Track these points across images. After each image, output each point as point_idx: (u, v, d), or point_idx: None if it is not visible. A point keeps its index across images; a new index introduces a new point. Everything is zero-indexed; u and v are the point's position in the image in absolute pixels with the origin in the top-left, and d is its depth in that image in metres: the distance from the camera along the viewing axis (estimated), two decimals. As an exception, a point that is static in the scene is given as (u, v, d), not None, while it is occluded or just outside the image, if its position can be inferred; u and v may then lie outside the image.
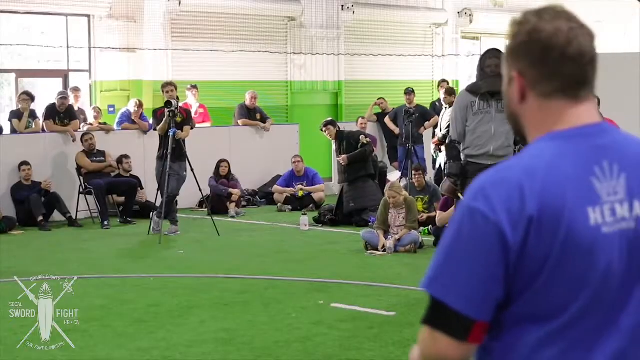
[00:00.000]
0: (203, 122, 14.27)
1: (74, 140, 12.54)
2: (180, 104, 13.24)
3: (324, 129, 11.94)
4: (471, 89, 7.10)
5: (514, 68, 1.82)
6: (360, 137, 11.85)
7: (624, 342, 1.77)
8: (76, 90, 13.87)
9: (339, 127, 12.08)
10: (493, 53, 6.67)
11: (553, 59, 1.77)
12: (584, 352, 1.75)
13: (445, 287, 1.72)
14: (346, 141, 11.77)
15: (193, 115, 13.64)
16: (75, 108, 13.51)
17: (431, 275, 1.75)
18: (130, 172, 12.71)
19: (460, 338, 1.72)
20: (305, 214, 11.61)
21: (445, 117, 12.36)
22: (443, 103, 12.94)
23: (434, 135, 12.59)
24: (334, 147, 12.21)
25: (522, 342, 1.75)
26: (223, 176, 13.18)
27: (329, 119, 12.71)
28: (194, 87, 14.29)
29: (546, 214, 1.69)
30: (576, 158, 1.75)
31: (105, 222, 11.74)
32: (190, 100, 14.18)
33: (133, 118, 13.35)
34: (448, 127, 11.31)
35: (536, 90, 1.80)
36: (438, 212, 9.69)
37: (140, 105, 13.40)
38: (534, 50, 1.78)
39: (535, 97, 1.80)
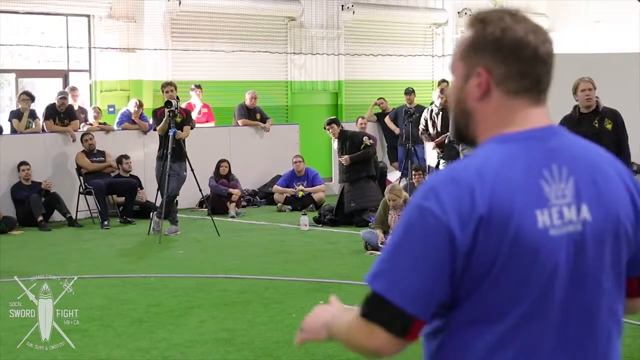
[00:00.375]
0: (207, 121, 14.30)
1: (73, 140, 12.54)
2: (184, 104, 13.28)
3: (327, 127, 11.93)
4: None
5: (479, 63, 1.80)
6: (364, 138, 11.86)
7: (573, 345, 1.78)
8: (73, 89, 13.88)
9: (342, 127, 12.07)
10: None
11: (527, 57, 1.78)
12: (536, 356, 1.75)
13: (389, 284, 1.72)
14: (349, 141, 11.77)
15: (197, 115, 13.72)
16: (75, 107, 13.53)
17: (376, 271, 1.75)
18: (130, 172, 12.72)
19: (399, 334, 1.73)
20: (305, 214, 11.62)
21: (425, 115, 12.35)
22: (436, 102, 12.86)
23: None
24: (334, 146, 12.21)
25: (473, 344, 1.75)
26: (223, 176, 13.18)
27: (333, 117, 12.73)
28: (198, 87, 14.30)
29: (495, 216, 1.69)
30: (526, 161, 1.76)
31: (105, 222, 11.74)
32: (194, 100, 14.21)
33: (133, 118, 13.36)
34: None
35: (502, 87, 1.80)
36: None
37: (140, 105, 13.40)
38: (508, 47, 1.78)
39: (500, 94, 1.80)
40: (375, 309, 1.74)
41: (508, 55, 1.78)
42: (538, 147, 1.78)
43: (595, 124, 7.67)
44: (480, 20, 1.82)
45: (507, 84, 1.79)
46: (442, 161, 10.89)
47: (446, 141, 10.83)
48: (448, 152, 10.14)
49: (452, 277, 1.71)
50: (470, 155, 1.80)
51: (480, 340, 1.74)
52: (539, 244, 1.72)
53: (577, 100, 7.79)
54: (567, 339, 1.77)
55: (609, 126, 7.67)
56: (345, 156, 11.64)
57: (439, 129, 12.03)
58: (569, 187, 1.77)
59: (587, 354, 1.80)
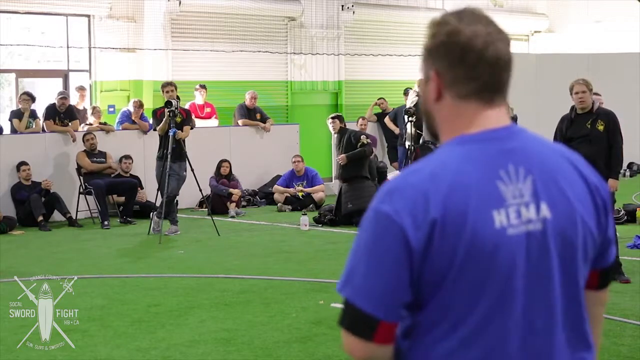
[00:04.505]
0: (211, 115, 14.33)
1: (74, 140, 12.54)
2: (187, 104, 13.28)
3: (331, 120, 12.04)
4: None
5: (432, 67, 1.84)
6: (362, 137, 11.89)
7: (540, 343, 1.79)
8: (82, 89, 13.90)
9: (344, 124, 12.12)
10: None
11: (471, 61, 1.80)
12: (501, 355, 1.76)
13: (353, 288, 1.76)
14: (347, 137, 11.81)
15: (201, 113, 13.77)
16: (80, 107, 13.55)
17: (343, 278, 1.79)
18: (130, 172, 12.72)
19: (366, 337, 1.75)
20: (305, 214, 11.62)
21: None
22: None
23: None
24: (333, 142, 12.29)
25: (439, 346, 1.76)
26: (224, 176, 13.19)
27: (339, 113, 12.77)
28: (203, 87, 14.32)
29: (450, 218, 1.71)
30: (482, 162, 1.78)
31: (105, 222, 11.74)
32: (198, 100, 14.22)
33: (133, 118, 13.36)
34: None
35: (452, 91, 1.82)
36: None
37: (140, 105, 13.40)
38: (453, 52, 1.80)
39: (450, 97, 1.83)
40: (345, 314, 1.78)
41: (453, 60, 1.81)
42: (494, 148, 1.80)
43: (588, 125, 7.73)
44: (435, 24, 1.85)
45: (456, 88, 1.82)
46: None
47: (421, 141, 10.90)
48: (424, 154, 10.13)
49: (410, 278, 1.73)
50: (428, 157, 1.82)
51: (446, 342, 1.76)
52: (496, 243, 1.73)
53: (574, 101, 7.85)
54: (531, 334, 1.78)
55: (600, 127, 7.72)
56: (342, 155, 11.68)
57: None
58: (527, 187, 1.79)
59: (552, 349, 1.81)
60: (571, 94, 7.84)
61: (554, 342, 1.81)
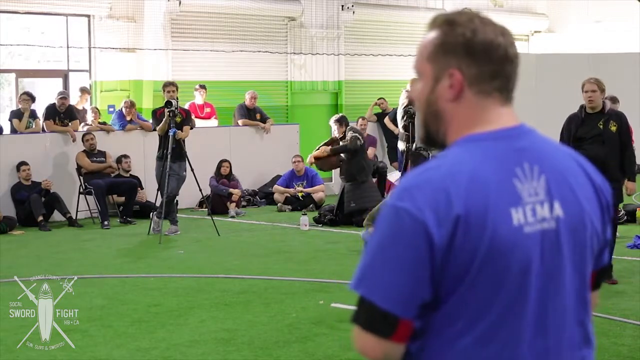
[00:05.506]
0: (211, 116, 14.34)
1: (73, 140, 12.54)
2: (188, 104, 13.26)
3: (334, 123, 11.97)
4: None
5: (450, 65, 1.81)
6: (348, 133, 11.77)
7: (550, 341, 1.80)
8: (84, 91, 13.89)
9: (348, 125, 12.06)
10: None
11: (498, 57, 1.81)
12: (514, 353, 1.77)
13: (371, 286, 1.73)
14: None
15: (201, 113, 13.75)
16: (80, 107, 13.53)
17: (359, 275, 1.76)
18: (130, 172, 12.72)
19: (385, 336, 1.73)
20: (305, 214, 11.62)
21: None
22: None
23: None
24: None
25: (456, 343, 1.76)
26: (224, 176, 13.19)
27: (342, 115, 12.63)
28: (202, 87, 14.31)
29: (472, 216, 1.71)
30: (498, 160, 1.78)
31: (105, 222, 11.74)
32: (198, 100, 14.22)
33: (130, 119, 13.30)
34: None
35: (475, 88, 1.81)
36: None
37: (131, 105, 13.32)
38: (479, 48, 1.80)
39: (472, 94, 1.82)
40: (361, 312, 1.75)
41: (480, 56, 1.80)
42: (508, 147, 1.80)
43: (600, 125, 7.63)
44: (448, 22, 1.84)
45: (480, 85, 1.81)
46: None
47: (414, 148, 10.85)
48: (415, 161, 10.02)
49: (432, 276, 1.72)
50: (441, 155, 1.81)
51: (463, 339, 1.75)
52: (514, 241, 1.74)
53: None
54: (543, 333, 1.80)
55: (613, 128, 7.63)
56: (326, 147, 11.66)
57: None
58: (541, 185, 1.80)
59: (561, 348, 1.82)
60: (582, 92, 7.76)
61: (563, 341, 1.83)
